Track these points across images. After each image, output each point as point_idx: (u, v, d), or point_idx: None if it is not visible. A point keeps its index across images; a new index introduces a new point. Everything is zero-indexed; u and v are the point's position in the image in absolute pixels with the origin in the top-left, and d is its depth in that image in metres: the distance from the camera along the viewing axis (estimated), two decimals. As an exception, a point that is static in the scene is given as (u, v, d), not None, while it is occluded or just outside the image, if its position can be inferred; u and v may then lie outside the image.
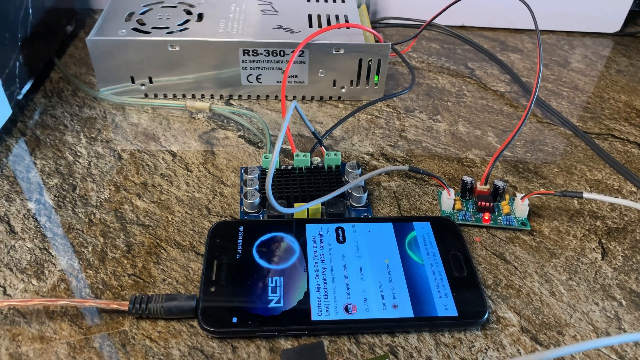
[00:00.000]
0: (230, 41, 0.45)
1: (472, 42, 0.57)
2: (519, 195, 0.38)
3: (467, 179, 0.39)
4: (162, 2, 0.50)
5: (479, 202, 0.38)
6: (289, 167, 0.40)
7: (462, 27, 0.63)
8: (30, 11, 0.46)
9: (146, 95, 0.48)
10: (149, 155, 0.42)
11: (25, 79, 0.46)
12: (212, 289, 0.32)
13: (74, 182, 0.40)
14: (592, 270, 0.35)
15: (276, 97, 0.49)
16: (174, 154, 0.43)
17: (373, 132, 0.46)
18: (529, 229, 0.38)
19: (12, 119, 0.45)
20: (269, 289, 0.32)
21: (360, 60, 0.47)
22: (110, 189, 0.39)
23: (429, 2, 0.58)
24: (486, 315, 0.31)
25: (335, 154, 0.40)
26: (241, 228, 0.35)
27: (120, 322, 0.31)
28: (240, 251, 0.34)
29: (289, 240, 0.35)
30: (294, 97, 0.49)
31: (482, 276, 0.35)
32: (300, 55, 0.46)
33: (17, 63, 0.45)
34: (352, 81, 0.48)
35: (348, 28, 0.48)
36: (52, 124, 0.45)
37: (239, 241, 0.35)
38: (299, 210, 0.36)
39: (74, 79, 0.49)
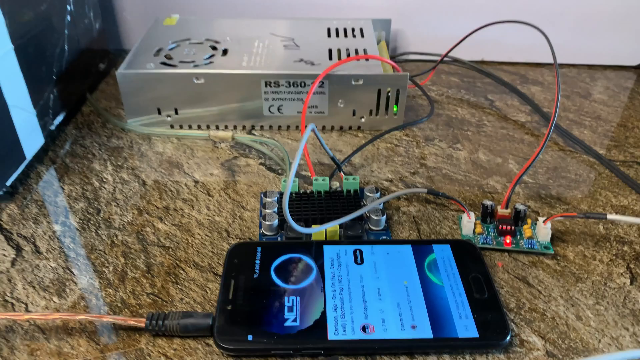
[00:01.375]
0: (252, 73, 0.47)
1: (492, 74, 0.58)
2: (541, 219, 0.38)
3: (488, 202, 0.39)
4: (189, 39, 0.53)
5: (500, 226, 0.38)
6: (308, 192, 0.40)
7: (482, 62, 0.64)
8: (67, 49, 0.49)
9: (172, 127, 0.50)
10: (172, 182, 0.43)
11: (58, 111, 0.49)
12: (229, 307, 0.32)
13: (98, 206, 0.41)
14: (621, 295, 0.34)
15: (297, 127, 0.50)
16: (196, 181, 0.44)
17: (392, 159, 0.47)
18: (552, 252, 0.37)
19: (44, 149, 0.47)
20: (286, 308, 0.32)
21: (379, 91, 0.48)
22: (133, 213, 0.40)
23: (446, 37, 0.59)
24: (508, 337, 0.30)
25: (354, 179, 0.41)
26: (259, 249, 0.36)
27: (137, 339, 0.31)
28: (257, 271, 0.34)
29: (306, 261, 0.35)
30: (315, 128, 0.50)
31: (504, 299, 0.34)
32: (320, 86, 0.47)
33: (52, 96, 0.47)
34: (371, 111, 0.49)
35: (367, 60, 0.49)
36: (81, 153, 0.47)
37: (257, 261, 0.35)
38: (316, 231, 0.36)
39: (103, 112, 0.52)
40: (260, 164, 0.46)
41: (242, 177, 0.44)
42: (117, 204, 0.41)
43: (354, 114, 0.49)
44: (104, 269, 0.35)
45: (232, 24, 0.57)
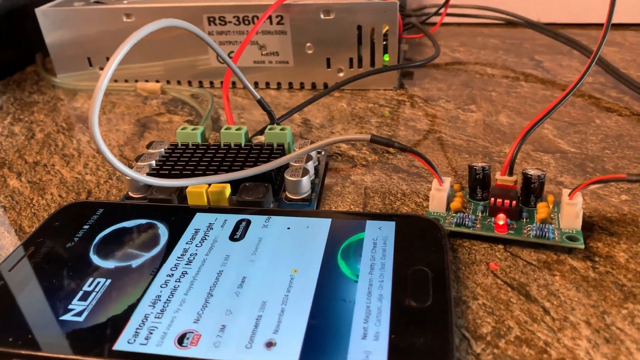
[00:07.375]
0: (191, 6, 0.36)
1: (548, 29, 0.42)
2: (565, 192, 0.22)
3: (479, 164, 0.24)
4: (146, -15, 0.43)
5: (493, 199, 0.22)
6: (214, 143, 0.28)
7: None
8: (3, -7, 0.42)
9: (107, 83, 0.40)
10: (66, 137, 0.33)
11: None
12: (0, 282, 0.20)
13: (-41, 158, 0.31)
14: None
15: (255, 83, 0.38)
16: (94, 136, 0.33)
17: (368, 120, 0.33)
18: (583, 247, 0.21)
19: (-47, 101, 0.39)
20: (80, 293, 0.19)
21: (360, 28, 0.35)
22: (-8, 167, 0.30)
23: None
24: (446, 385, 0.15)
25: (281, 129, 0.28)
26: (100, 211, 0.24)
27: None
28: (77, 238, 0.22)
29: (159, 231, 0.22)
30: (278, 84, 0.38)
31: (471, 317, 0.18)
32: (278, 23, 0.35)
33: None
34: (351, 61, 0.36)
35: (345, -11, 0.36)
36: (-11, 107, 0.39)
37: (86, 227, 0.23)
38: (175, 185, 0.23)
39: (41, 68, 0.43)
40: (186, 121, 0.34)
41: (152, 134, 0.33)
42: (-16, 156, 0.31)
43: (328, 65, 0.36)
44: None
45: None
